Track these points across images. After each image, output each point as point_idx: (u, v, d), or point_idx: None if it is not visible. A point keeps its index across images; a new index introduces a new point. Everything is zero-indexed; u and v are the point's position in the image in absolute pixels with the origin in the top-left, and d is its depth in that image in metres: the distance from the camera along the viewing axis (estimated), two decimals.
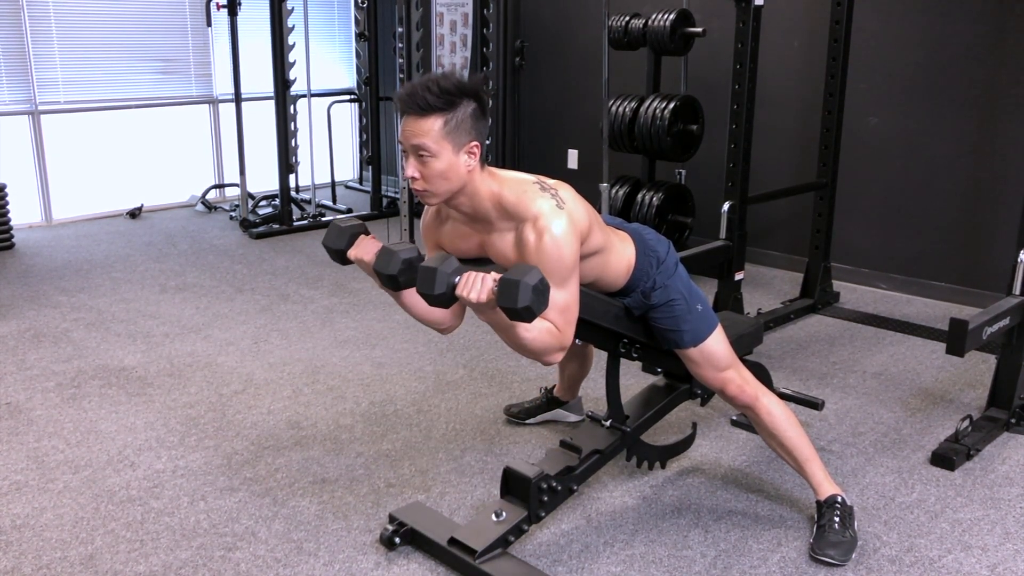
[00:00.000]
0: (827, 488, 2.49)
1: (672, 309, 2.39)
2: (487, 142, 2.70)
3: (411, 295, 2.18)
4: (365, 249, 2.16)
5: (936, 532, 2.52)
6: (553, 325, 2.09)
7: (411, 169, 2.05)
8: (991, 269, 4.31)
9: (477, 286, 1.93)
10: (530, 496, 2.33)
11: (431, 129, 2.01)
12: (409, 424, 3.19)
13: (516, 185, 2.13)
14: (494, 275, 1.93)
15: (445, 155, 2.03)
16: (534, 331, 2.03)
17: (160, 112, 6.63)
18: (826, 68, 4.24)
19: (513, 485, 2.39)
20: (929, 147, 4.54)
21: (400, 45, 4.82)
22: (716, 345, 2.45)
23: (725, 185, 4.05)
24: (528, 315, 1.88)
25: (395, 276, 2.04)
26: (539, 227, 2.06)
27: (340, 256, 2.20)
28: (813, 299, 4.43)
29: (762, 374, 2.81)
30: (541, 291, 1.88)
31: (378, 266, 2.07)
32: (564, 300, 2.10)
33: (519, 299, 1.85)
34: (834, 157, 4.31)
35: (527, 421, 3.15)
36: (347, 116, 7.52)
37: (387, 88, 6.63)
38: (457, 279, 1.95)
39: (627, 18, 4.78)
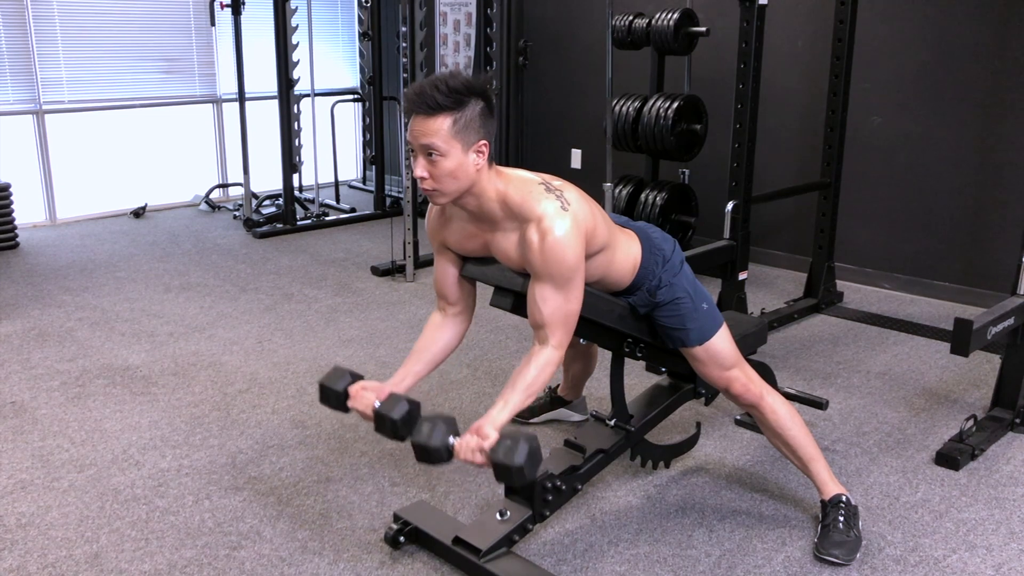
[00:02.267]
0: (831, 488, 2.49)
1: (678, 307, 2.39)
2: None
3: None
4: (363, 402, 2.22)
5: (941, 532, 2.52)
6: (551, 335, 2.13)
7: (420, 169, 2.05)
8: (995, 269, 4.30)
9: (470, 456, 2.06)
10: (534, 495, 2.33)
11: (440, 128, 2.01)
12: None
13: (522, 185, 2.13)
14: (487, 447, 2.05)
15: (454, 154, 2.03)
16: (541, 379, 2.15)
17: (164, 111, 6.63)
18: (830, 67, 4.24)
19: None
20: (933, 147, 4.54)
21: (404, 44, 4.82)
22: (721, 344, 2.45)
23: (729, 185, 4.05)
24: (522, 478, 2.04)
25: (396, 421, 2.12)
26: (542, 228, 2.07)
27: (338, 398, 2.26)
28: (817, 299, 4.43)
29: (766, 373, 2.81)
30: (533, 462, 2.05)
31: (383, 409, 2.16)
32: (565, 305, 2.12)
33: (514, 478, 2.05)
34: (838, 157, 4.31)
35: (531, 420, 3.14)
36: (350, 116, 7.52)
37: (390, 88, 6.63)
38: (453, 441, 2.06)
39: (631, 17, 4.77)
